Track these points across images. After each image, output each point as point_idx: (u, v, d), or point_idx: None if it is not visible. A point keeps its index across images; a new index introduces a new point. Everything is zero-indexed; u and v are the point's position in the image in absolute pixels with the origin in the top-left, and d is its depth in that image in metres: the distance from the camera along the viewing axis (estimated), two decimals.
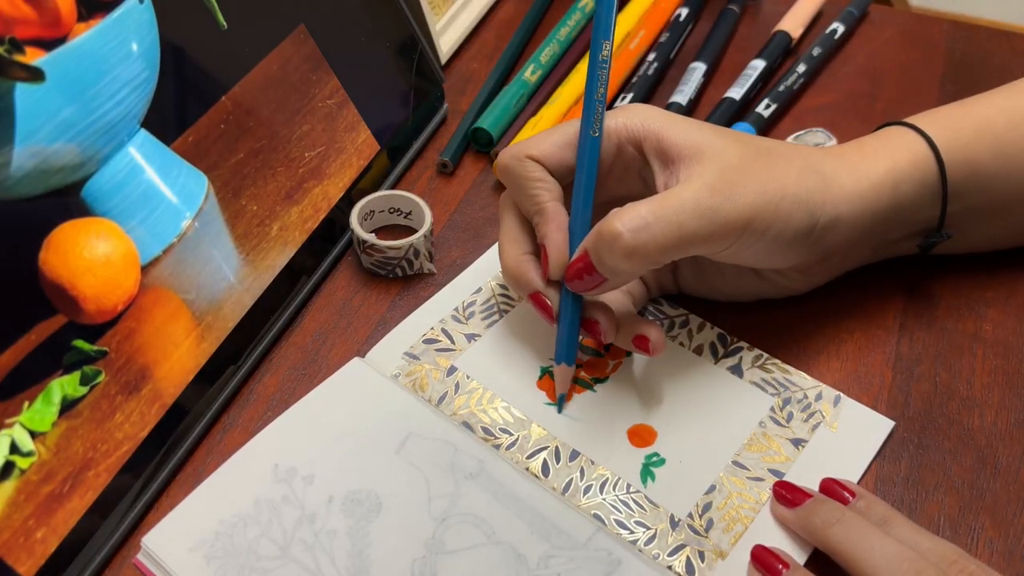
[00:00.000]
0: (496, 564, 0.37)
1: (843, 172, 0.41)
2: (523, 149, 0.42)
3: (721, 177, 0.38)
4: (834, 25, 0.63)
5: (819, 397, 0.43)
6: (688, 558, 0.37)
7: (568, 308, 0.41)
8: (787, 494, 0.38)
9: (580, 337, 0.43)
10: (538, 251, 0.42)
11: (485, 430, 0.42)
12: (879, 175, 0.42)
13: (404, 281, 0.49)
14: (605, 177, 0.43)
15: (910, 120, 0.44)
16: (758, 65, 0.59)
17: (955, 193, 0.43)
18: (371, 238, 0.47)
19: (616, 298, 0.44)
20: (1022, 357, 0.45)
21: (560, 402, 0.43)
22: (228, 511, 0.38)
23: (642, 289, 0.46)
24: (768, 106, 0.57)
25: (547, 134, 0.42)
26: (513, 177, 0.42)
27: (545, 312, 0.42)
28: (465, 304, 0.47)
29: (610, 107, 0.57)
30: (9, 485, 0.35)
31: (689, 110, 0.57)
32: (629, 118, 0.41)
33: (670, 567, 0.37)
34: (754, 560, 0.37)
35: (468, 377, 0.44)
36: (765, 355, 0.44)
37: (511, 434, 0.41)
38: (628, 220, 0.37)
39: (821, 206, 0.40)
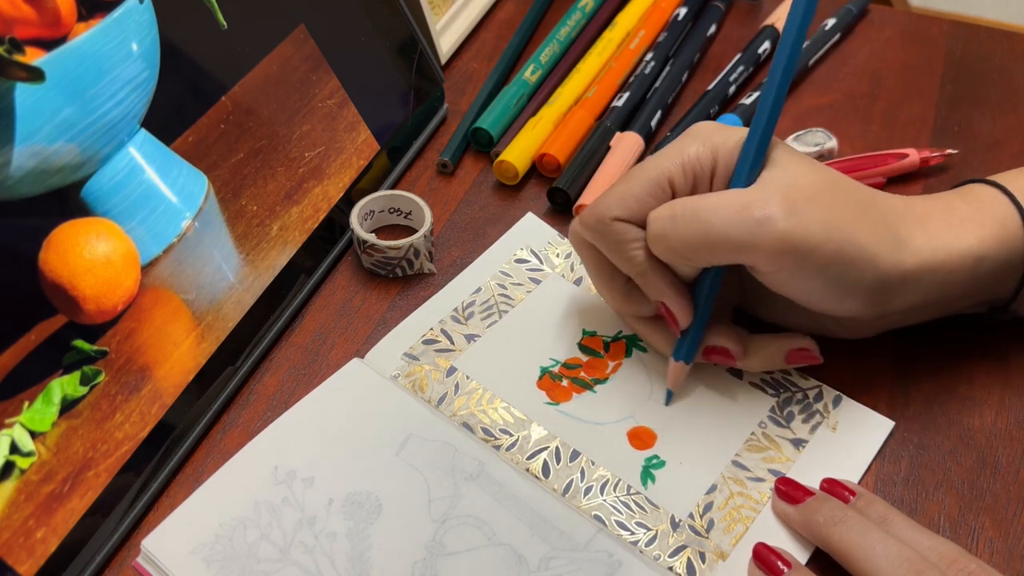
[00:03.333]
0: (497, 566, 0.37)
1: (921, 239, 0.39)
2: (606, 212, 0.39)
3: (782, 194, 0.37)
4: (828, 20, 0.63)
5: (819, 397, 0.43)
6: (689, 559, 0.37)
7: (701, 316, 0.41)
8: (788, 491, 0.38)
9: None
10: (628, 279, 0.42)
11: (485, 431, 0.42)
12: (961, 251, 0.39)
13: (404, 281, 0.49)
14: None
15: (1007, 183, 0.41)
16: (738, 58, 0.60)
17: None
18: (371, 238, 0.47)
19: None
20: (1022, 357, 0.45)
21: (668, 396, 0.43)
22: (228, 514, 0.38)
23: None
24: (750, 95, 0.57)
25: (625, 188, 0.40)
26: (606, 241, 0.40)
27: (673, 324, 0.41)
28: (464, 304, 0.47)
29: (607, 107, 0.57)
30: (9, 485, 0.35)
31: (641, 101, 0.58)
32: (699, 150, 0.39)
33: (671, 568, 0.37)
34: (756, 558, 0.37)
35: (468, 378, 0.44)
36: None
37: (511, 435, 0.41)
38: (660, 210, 0.38)
39: (890, 268, 0.38)
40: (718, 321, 0.42)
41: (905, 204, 0.40)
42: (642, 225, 0.39)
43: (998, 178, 0.42)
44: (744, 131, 0.39)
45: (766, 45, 0.61)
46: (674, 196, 0.39)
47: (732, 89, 0.59)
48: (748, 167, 0.38)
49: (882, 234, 0.38)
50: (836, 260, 0.37)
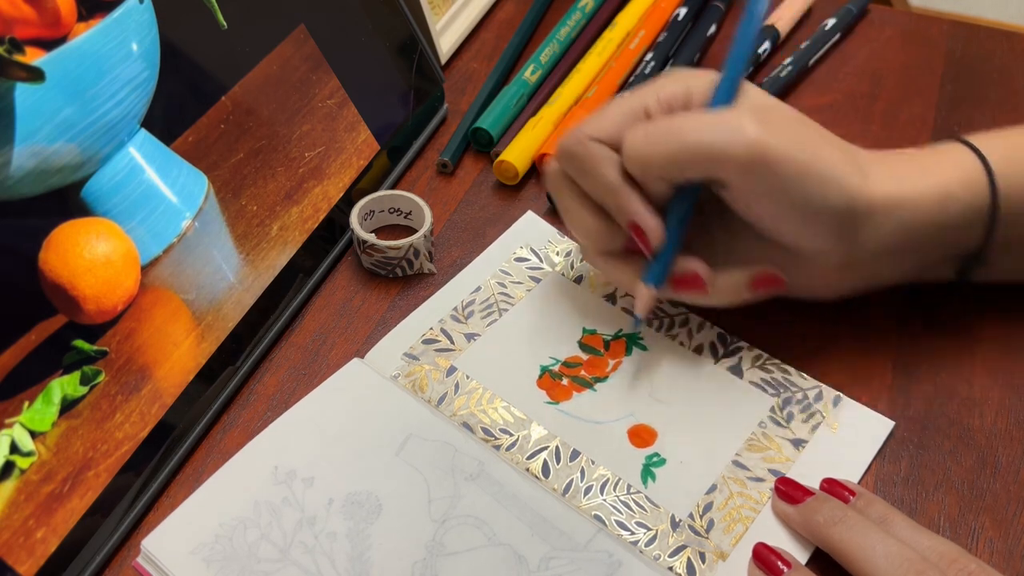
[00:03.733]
0: (497, 566, 0.37)
1: (884, 173, 0.40)
2: (584, 131, 0.41)
3: (752, 111, 0.38)
4: (828, 20, 0.63)
5: (819, 397, 0.43)
6: (689, 559, 0.37)
7: (671, 239, 0.41)
8: (788, 491, 0.38)
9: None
10: (600, 212, 0.42)
11: (485, 431, 0.42)
12: (925, 188, 0.40)
13: (404, 281, 0.49)
14: None
15: (970, 138, 0.42)
16: None
17: (1005, 221, 0.41)
18: (371, 238, 0.47)
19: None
20: (1022, 357, 0.45)
21: (636, 322, 0.43)
22: (228, 514, 0.38)
23: None
24: None
25: (602, 112, 0.41)
26: (579, 161, 0.41)
27: (644, 243, 0.41)
28: (464, 304, 0.47)
29: None
30: (9, 485, 0.35)
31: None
32: (673, 87, 0.41)
33: (671, 568, 0.37)
34: (755, 558, 0.37)
35: (468, 377, 0.44)
36: (765, 355, 0.44)
37: (511, 434, 0.41)
38: (634, 128, 0.39)
39: (858, 192, 0.38)
40: (685, 254, 0.42)
41: (866, 150, 0.42)
42: (617, 149, 0.40)
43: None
44: (717, 74, 0.40)
45: (766, 45, 0.61)
46: None
47: None
48: (723, 97, 0.39)
49: (848, 160, 0.39)
50: (805, 175, 0.37)
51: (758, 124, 0.37)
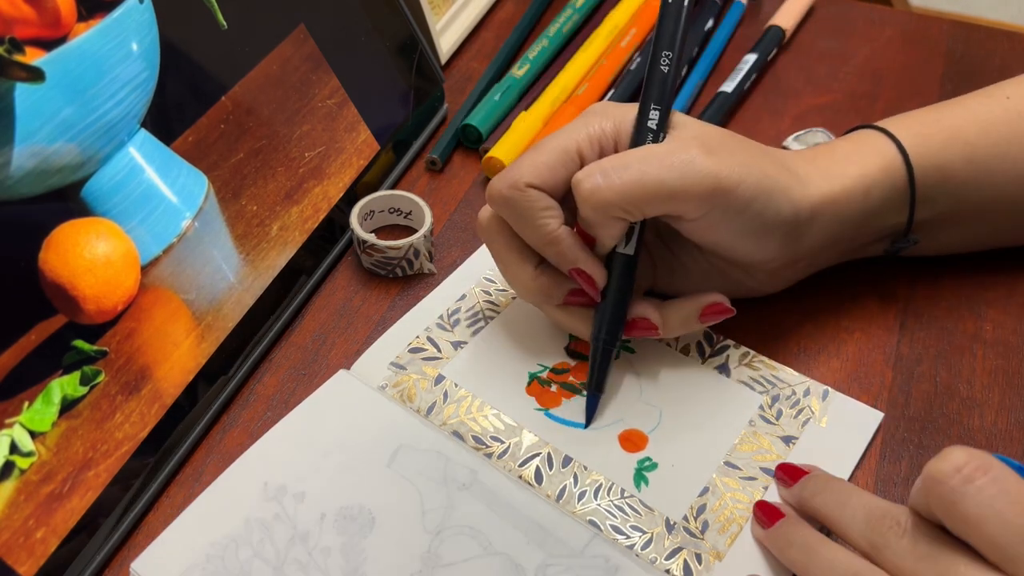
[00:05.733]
0: (494, 575, 0.36)
1: (816, 175, 0.41)
2: (519, 177, 0.39)
3: (700, 139, 0.38)
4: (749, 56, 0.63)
5: (807, 393, 0.43)
6: (686, 560, 0.37)
7: (619, 292, 0.41)
8: (763, 513, 0.38)
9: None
10: (540, 261, 0.42)
11: (476, 439, 0.41)
12: (851, 180, 0.41)
13: (404, 281, 0.49)
14: None
15: (882, 124, 0.44)
16: (750, 59, 0.60)
17: (924, 199, 0.43)
18: (371, 238, 0.47)
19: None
20: (1022, 357, 0.45)
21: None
22: (218, 533, 0.37)
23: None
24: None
25: (535, 155, 0.40)
26: (518, 208, 0.39)
27: (592, 287, 0.41)
28: (450, 312, 0.46)
29: None
30: (9, 485, 0.35)
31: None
32: (602, 123, 0.40)
33: (668, 571, 0.37)
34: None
35: (456, 385, 0.43)
36: (752, 352, 0.44)
37: (502, 442, 0.41)
38: (586, 169, 0.38)
39: (801, 200, 0.40)
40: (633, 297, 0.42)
41: (791, 152, 0.43)
42: (553, 195, 0.40)
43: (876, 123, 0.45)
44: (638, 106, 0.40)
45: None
46: (583, 166, 0.40)
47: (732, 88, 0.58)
48: (656, 128, 0.39)
49: (786, 171, 0.40)
50: (758, 194, 0.38)
51: (707, 155, 0.38)
